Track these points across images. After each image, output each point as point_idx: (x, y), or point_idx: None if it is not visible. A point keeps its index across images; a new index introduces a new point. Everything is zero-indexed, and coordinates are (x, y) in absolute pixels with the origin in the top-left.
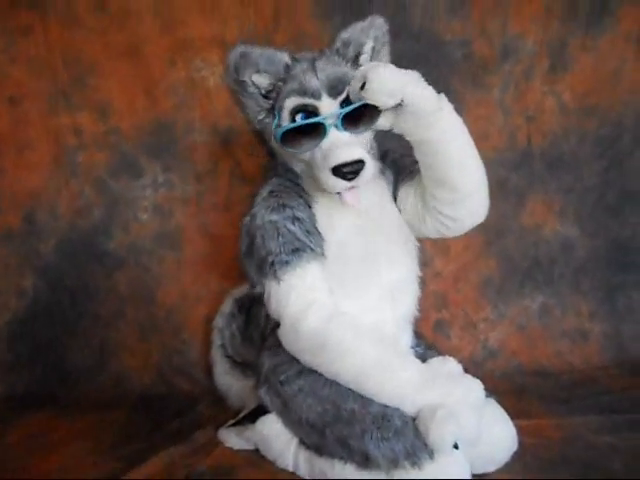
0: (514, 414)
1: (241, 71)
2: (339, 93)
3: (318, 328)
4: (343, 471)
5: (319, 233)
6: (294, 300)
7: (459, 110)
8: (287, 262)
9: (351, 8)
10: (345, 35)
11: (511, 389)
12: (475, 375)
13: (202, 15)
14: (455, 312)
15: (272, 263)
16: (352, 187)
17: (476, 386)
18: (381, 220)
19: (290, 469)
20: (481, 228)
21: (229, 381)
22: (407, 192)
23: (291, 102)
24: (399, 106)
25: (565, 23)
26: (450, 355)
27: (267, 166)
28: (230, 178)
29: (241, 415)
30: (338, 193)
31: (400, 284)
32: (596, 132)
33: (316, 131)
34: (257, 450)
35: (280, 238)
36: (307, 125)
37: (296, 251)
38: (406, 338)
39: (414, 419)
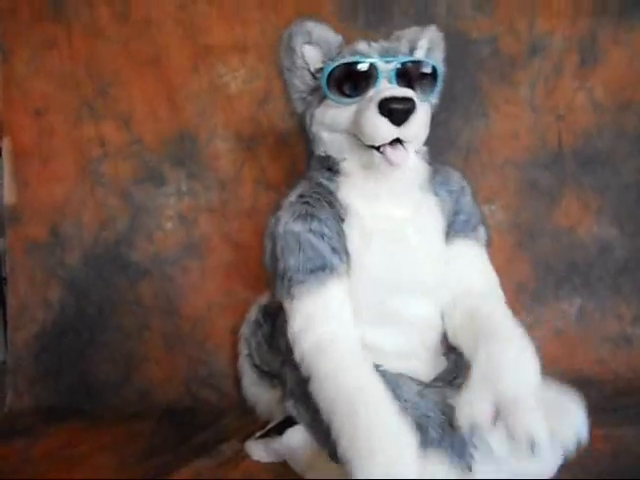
0: None
1: (294, 39)
2: (393, 56)
3: (308, 355)
4: None
5: (347, 252)
6: (298, 321)
7: (487, 108)
8: (302, 282)
9: (375, 9)
10: (398, 32)
11: None
12: None
13: (223, 21)
14: None
15: (289, 279)
16: (397, 143)
17: None
18: (418, 246)
19: None
20: (513, 230)
21: (257, 392)
22: (462, 254)
23: (338, 61)
24: None
25: (595, 17)
26: None
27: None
28: (254, 185)
29: (269, 427)
30: (379, 151)
31: (424, 320)
32: (634, 128)
33: (367, 80)
34: (285, 463)
35: (300, 254)
36: (357, 73)
37: (314, 271)
38: (432, 367)
39: (451, 425)
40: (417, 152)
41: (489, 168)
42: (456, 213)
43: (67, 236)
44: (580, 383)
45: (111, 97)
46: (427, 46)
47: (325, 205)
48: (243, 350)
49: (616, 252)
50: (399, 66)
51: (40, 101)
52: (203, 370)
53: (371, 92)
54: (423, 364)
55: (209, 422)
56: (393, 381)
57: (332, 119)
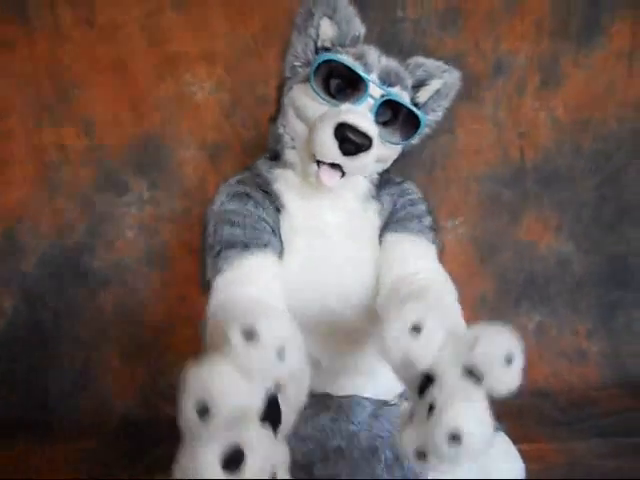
0: (515, 438)
1: (317, 5)
2: (389, 85)
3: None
4: None
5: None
6: (215, 294)
7: (453, 124)
8: (232, 256)
9: None
10: (420, 60)
11: (508, 410)
12: None
13: (190, 30)
14: None
15: (218, 252)
16: (336, 168)
17: None
18: (347, 255)
19: None
20: (475, 245)
21: None
22: (395, 244)
23: (337, 56)
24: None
25: (556, 40)
26: None
27: None
28: None
29: None
30: (318, 165)
31: (367, 335)
32: (590, 147)
33: (352, 92)
34: None
35: (235, 229)
36: (346, 80)
37: (248, 245)
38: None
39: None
40: (365, 177)
41: (453, 183)
42: (394, 212)
43: (23, 242)
44: (536, 396)
45: (73, 102)
46: (438, 87)
47: (262, 192)
48: None
49: (573, 268)
50: (387, 99)
51: None
52: (162, 381)
53: (347, 105)
54: (378, 380)
55: (167, 436)
56: (346, 404)
57: (303, 106)
